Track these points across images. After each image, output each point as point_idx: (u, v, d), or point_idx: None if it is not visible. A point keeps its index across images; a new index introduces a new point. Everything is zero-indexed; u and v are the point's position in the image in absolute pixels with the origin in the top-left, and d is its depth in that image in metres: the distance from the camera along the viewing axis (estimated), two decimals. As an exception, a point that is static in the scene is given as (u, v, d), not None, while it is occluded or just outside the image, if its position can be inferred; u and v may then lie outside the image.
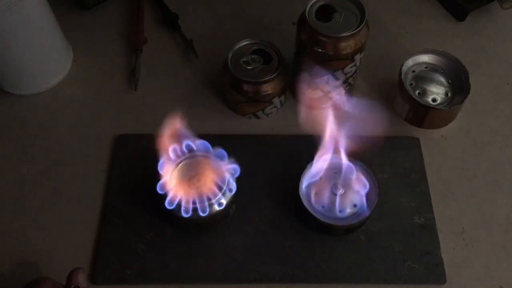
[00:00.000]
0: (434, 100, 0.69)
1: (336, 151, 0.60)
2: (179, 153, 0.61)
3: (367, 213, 0.59)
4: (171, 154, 0.60)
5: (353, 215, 0.60)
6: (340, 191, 0.60)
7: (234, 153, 0.61)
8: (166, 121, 0.60)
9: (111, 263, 0.60)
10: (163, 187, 0.58)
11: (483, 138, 0.70)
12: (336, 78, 0.66)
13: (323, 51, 0.63)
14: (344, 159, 0.60)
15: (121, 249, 0.61)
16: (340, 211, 0.60)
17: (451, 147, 0.69)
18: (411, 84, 0.70)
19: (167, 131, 0.60)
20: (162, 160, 0.59)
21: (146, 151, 0.60)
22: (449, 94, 0.69)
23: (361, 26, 0.61)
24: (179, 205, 0.58)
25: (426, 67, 0.71)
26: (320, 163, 0.62)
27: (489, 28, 0.81)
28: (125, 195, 0.64)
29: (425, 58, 0.71)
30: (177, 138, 0.60)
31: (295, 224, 0.62)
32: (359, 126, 0.70)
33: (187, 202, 0.58)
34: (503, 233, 0.63)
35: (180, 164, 0.61)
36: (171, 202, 0.58)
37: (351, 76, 0.67)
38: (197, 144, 0.61)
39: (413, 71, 0.71)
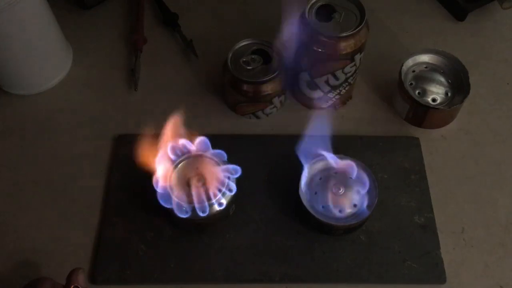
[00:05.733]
0: (434, 100, 0.69)
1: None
2: (179, 152, 0.61)
3: (367, 213, 0.59)
4: (171, 153, 0.60)
5: (353, 215, 0.60)
6: (340, 191, 0.60)
7: (234, 153, 0.61)
8: (168, 121, 0.60)
9: (111, 263, 0.60)
10: (159, 183, 0.58)
11: (483, 138, 0.70)
12: (336, 78, 0.66)
13: (323, 51, 0.63)
14: (339, 160, 0.61)
15: (121, 249, 0.61)
16: (340, 211, 0.60)
17: (451, 147, 0.69)
18: (411, 84, 0.70)
19: (168, 130, 0.60)
20: (159, 157, 0.59)
21: (146, 151, 0.60)
22: (449, 94, 0.69)
23: (361, 26, 0.61)
24: (178, 205, 0.58)
25: (426, 67, 0.71)
26: (320, 163, 0.62)
27: (489, 28, 0.81)
28: (125, 195, 0.64)
29: (425, 58, 0.71)
30: (177, 137, 0.60)
31: (295, 224, 0.62)
32: (359, 126, 0.71)
33: (187, 202, 0.58)
34: (503, 233, 0.63)
35: (180, 164, 0.61)
36: (167, 200, 0.58)
37: (351, 76, 0.67)
38: (197, 142, 0.61)
39: (413, 71, 0.71)
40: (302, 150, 0.61)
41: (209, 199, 0.58)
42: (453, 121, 0.71)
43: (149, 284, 0.60)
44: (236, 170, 0.60)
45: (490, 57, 0.78)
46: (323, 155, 0.61)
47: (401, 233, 0.62)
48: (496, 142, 0.70)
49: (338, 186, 0.60)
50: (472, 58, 0.75)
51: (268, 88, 0.67)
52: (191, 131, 0.62)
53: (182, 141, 0.61)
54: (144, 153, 0.60)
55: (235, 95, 0.68)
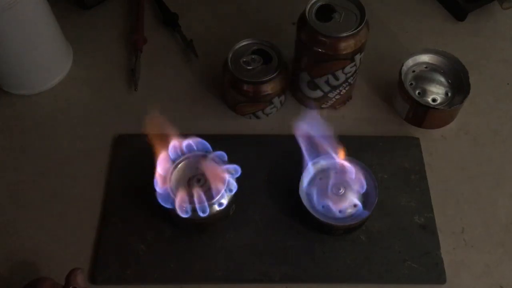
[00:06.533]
0: (434, 100, 0.69)
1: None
2: (179, 153, 0.61)
3: (367, 213, 0.59)
4: (171, 153, 0.60)
5: (353, 215, 0.60)
6: (340, 191, 0.60)
7: (234, 153, 0.61)
8: (167, 121, 0.61)
9: (111, 263, 0.60)
10: (160, 184, 0.58)
11: (483, 138, 0.70)
12: (336, 78, 0.66)
13: (323, 51, 0.63)
14: (340, 159, 0.61)
15: (121, 249, 0.61)
16: (340, 211, 0.60)
17: (451, 147, 0.69)
18: (411, 84, 0.70)
19: (168, 130, 0.60)
20: (159, 157, 0.59)
21: (146, 151, 0.61)
22: (449, 94, 0.69)
23: (361, 26, 0.61)
24: (178, 205, 0.57)
25: (426, 67, 0.71)
26: (320, 163, 0.62)
27: (489, 28, 0.81)
28: (125, 195, 0.64)
29: (425, 58, 0.71)
30: (177, 137, 0.60)
31: (295, 224, 0.62)
32: (359, 126, 0.71)
33: (187, 202, 0.58)
34: (503, 233, 0.63)
35: (180, 164, 0.61)
36: (168, 201, 0.58)
37: (351, 76, 0.67)
38: (197, 142, 0.61)
39: (413, 71, 0.71)
40: (304, 150, 0.61)
41: (209, 199, 0.58)
42: (453, 121, 0.71)
43: (149, 284, 0.60)
44: (236, 170, 0.60)
45: (490, 57, 0.78)
46: (323, 155, 0.61)
47: (401, 233, 0.62)
48: (496, 142, 0.70)
49: (338, 186, 0.60)
50: (472, 58, 0.75)
51: (268, 88, 0.67)
52: (190, 131, 0.62)
53: (182, 141, 0.61)
54: (144, 153, 0.60)
55: (235, 95, 0.68)
